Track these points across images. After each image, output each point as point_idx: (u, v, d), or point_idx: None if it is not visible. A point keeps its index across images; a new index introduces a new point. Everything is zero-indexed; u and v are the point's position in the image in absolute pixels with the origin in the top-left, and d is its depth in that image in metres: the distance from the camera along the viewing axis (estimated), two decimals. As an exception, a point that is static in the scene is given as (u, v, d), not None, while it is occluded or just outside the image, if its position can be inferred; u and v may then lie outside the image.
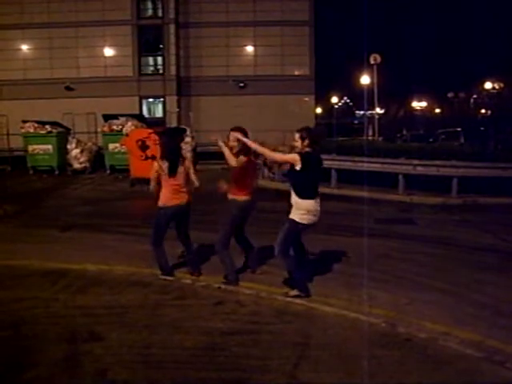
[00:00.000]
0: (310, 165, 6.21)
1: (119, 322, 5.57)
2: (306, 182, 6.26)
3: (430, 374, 4.46)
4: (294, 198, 6.27)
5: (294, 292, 6.36)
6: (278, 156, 6.79)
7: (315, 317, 5.75)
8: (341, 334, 5.27)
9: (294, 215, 6.24)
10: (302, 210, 6.20)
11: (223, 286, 6.72)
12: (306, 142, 6.26)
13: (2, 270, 7.54)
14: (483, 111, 59.99)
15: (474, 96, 63.08)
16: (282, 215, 11.20)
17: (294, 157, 6.21)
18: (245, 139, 6.56)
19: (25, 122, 23.04)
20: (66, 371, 4.51)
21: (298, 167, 6.17)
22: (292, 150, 6.70)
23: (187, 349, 4.90)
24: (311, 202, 6.23)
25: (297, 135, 6.33)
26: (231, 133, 6.80)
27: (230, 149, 6.72)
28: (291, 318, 5.67)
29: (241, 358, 4.73)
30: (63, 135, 23.45)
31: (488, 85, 54.62)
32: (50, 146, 22.67)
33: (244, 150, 6.69)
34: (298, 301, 6.17)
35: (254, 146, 6.53)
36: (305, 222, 6.23)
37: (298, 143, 6.30)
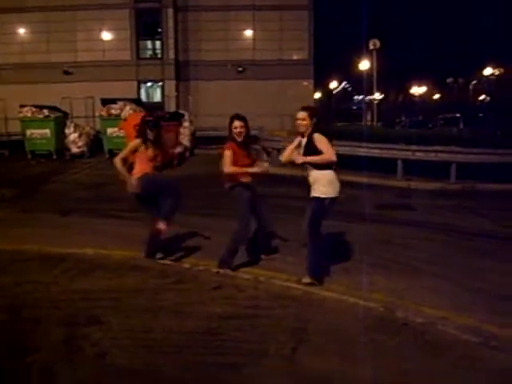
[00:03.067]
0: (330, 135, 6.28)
1: (119, 306, 5.58)
2: None
3: (428, 359, 4.48)
4: (317, 173, 6.19)
5: (308, 279, 6.25)
6: (328, 154, 6.21)
7: (314, 301, 5.77)
8: (339, 319, 5.30)
9: (318, 192, 6.21)
10: (326, 182, 6.20)
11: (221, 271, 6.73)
12: (314, 119, 6.24)
13: (1, 255, 7.56)
14: (482, 97, 59.91)
15: (474, 82, 62.93)
16: (282, 200, 11.25)
17: (324, 141, 6.14)
18: (299, 158, 6.31)
19: (22, 106, 22.96)
20: (66, 355, 4.54)
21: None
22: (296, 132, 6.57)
23: (186, 333, 4.93)
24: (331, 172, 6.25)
25: (304, 114, 6.25)
26: (236, 121, 6.63)
27: (238, 135, 6.66)
28: (289, 303, 5.69)
29: (239, 343, 4.75)
30: (61, 119, 23.38)
31: (488, 70, 54.49)
32: (47, 131, 22.60)
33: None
34: (296, 285, 6.19)
35: (309, 159, 6.26)
36: (330, 195, 6.21)
37: (307, 121, 6.23)
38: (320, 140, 6.14)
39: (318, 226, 6.26)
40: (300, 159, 6.25)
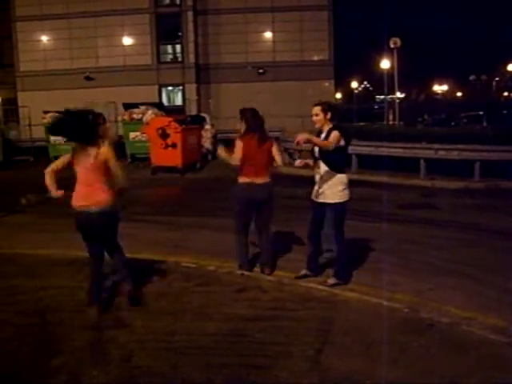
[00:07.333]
0: (348, 137, 6.17)
1: (143, 309, 5.61)
2: (346, 155, 6.28)
3: (454, 360, 4.43)
4: (336, 177, 6.08)
5: (333, 280, 6.23)
6: (330, 142, 6.04)
7: (337, 303, 5.75)
8: (363, 320, 5.26)
9: (337, 196, 6.11)
10: (343, 185, 6.12)
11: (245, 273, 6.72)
12: (329, 114, 6.13)
13: (26, 259, 7.64)
14: (506, 94, 59.20)
15: (497, 79, 62.23)
16: (301, 201, 11.18)
17: (336, 135, 5.97)
18: (313, 138, 6.04)
19: (46, 112, 23.22)
20: (91, 358, 4.58)
21: (342, 143, 6.05)
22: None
23: (210, 335, 4.94)
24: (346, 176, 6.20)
25: (318, 108, 6.15)
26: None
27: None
28: (313, 304, 5.67)
29: (264, 344, 4.75)
30: (84, 125, 23.56)
31: (511, 67, 53.83)
32: (71, 136, 22.81)
33: None
34: (320, 287, 6.17)
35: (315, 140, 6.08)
36: (347, 197, 6.16)
37: (320, 116, 6.13)
38: (334, 135, 5.98)
39: (342, 230, 6.23)
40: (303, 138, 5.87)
